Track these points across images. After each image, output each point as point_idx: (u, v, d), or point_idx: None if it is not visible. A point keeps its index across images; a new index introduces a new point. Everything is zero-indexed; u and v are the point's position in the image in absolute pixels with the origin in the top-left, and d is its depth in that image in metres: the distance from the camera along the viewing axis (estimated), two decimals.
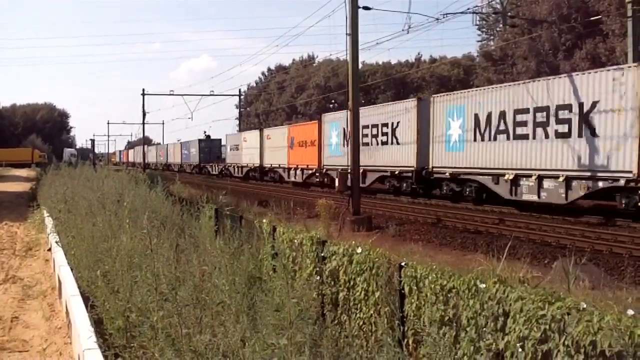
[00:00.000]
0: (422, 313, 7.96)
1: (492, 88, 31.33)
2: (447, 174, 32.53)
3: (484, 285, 7.06)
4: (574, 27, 48.85)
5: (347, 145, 36.33)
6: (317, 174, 48.17)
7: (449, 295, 7.56)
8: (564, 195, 25.56)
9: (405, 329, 8.27)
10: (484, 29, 71.68)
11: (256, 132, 64.82)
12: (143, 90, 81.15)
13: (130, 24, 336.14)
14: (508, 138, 28.51)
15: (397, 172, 36.97)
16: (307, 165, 49.89)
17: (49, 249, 18.39)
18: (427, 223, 26.18)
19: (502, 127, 28.78)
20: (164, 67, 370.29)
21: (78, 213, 16.72)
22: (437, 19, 29.76)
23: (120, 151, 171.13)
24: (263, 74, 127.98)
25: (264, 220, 13.39)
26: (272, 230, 12.50)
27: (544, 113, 26.40)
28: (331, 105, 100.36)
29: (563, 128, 25.44)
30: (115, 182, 23.22)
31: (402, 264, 8.41)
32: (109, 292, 9.46)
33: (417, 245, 17.87)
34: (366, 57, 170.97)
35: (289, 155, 53.92)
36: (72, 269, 12.35)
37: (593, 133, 24.12)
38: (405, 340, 8.14)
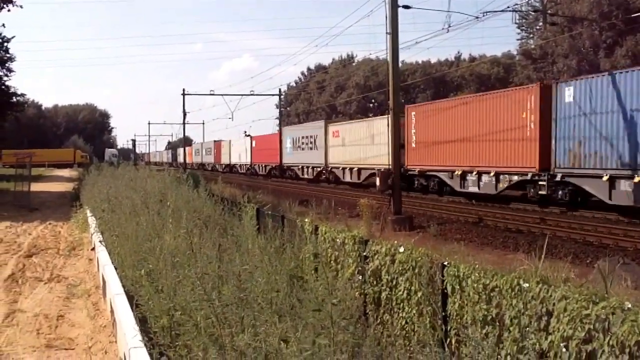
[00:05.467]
0: (465, 312, 7.94)
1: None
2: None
3: (527, 285, 7.02)
4: (615, 25, 48.14)
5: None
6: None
7: (491, 294, 7.53)
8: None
9: (448, 328, 8.26)
10: (524, 27, 71.15)
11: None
12: (183, 90, 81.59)
13: (170, 26, 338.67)
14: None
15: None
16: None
17: (93, 248, 18.63)
18: (468, 222, 26.12)
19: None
20: (204, 68, 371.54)
21: (121, 212, 16.82)
22: (477, 18, 29.53)
23: (147, 153, 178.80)
24: (303, 73, 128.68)
25: (306, 220, 13.41)
26: (314, 230, 12.52)
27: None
28: (371, 105, 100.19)
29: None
30: (158, 182, 23.37)
31: (445, 263, 8.40)
32: (153, 291, 9.49)
33: (459, 245, 17.73)
34: (406, 56, 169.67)
35: None
36: (116, 268, 12.50)
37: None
38: (448, 340, 8.12)
